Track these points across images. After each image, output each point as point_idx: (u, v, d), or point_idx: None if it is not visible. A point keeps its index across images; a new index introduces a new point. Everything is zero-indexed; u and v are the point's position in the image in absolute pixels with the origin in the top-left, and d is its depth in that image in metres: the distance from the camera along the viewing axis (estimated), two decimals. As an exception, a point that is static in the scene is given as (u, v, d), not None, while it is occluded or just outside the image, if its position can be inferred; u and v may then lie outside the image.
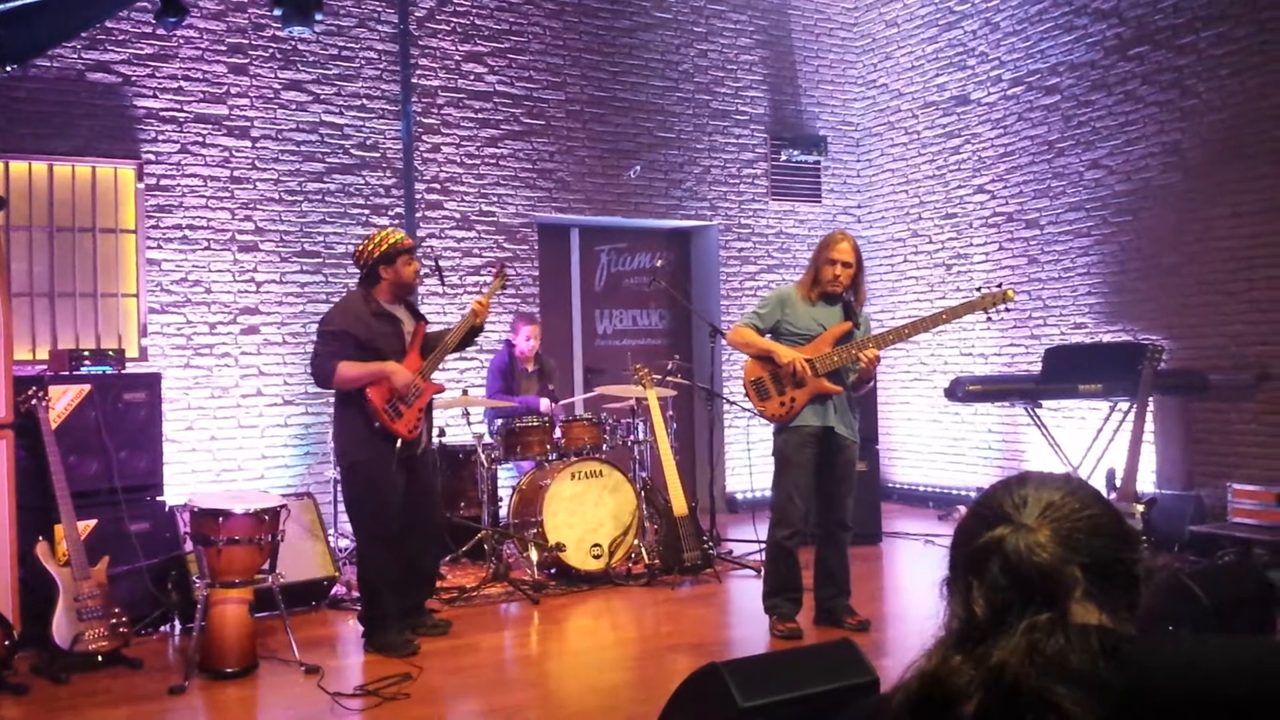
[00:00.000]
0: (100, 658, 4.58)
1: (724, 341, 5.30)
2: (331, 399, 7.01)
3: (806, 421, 4.93)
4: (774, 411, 4.97)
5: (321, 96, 7.26)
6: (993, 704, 1.12)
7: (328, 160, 7.27)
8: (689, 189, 8.79)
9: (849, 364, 4.90)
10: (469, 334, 5.18)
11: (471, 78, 7.83)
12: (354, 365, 4.76)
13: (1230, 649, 1.18)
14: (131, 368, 6.09)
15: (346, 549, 6.58)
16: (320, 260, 7.24)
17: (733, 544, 7.09)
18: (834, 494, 5.04)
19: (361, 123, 7.40)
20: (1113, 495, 6.02)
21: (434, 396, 5.10)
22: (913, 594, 6.26)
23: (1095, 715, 1.08)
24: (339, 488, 6.71)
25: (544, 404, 6.92)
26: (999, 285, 5.03)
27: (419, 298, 6.89)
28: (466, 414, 6.64)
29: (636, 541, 6.31)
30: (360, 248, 4.98)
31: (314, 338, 7.03)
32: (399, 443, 4.81)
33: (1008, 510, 1.27)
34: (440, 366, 5.16)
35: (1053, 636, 1.15)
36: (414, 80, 7.58)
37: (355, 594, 5.73)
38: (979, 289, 5.09)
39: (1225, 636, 1.22)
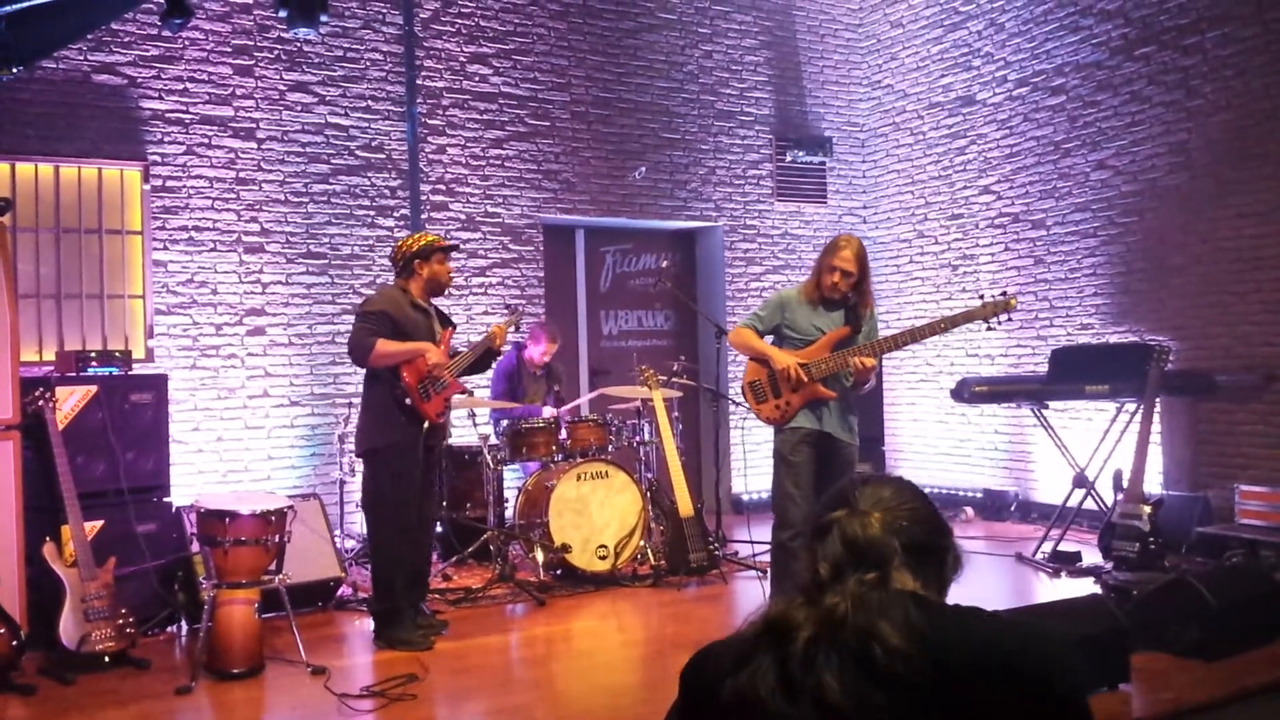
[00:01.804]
0: (107, 658, 4.59)
1: (728, 342, 5.29)
2: (338, 400, 7.08)
3: (801, 423, 4.92)
4: (769, 414, 4.98)
5: (327, 98, 7.27)
6: (822, 633, 1.41)
7: (333, 161, 7.28)
8: (694, 190, 8.79)
9: (843, 370, 4.88)
10: (485, 355, 5.32)
11: (476, 79, 7.84)
12: (391, 342, 4.87)
13: (1024, 632, 1.48)
14: (138, 369, 6.10)
15: (353, 550, 6.59)
16: (326, 261, 7.25)
17: (738, 545, 7.08)
18: None
19: (367, 124, 7.41)
20: (1120, 497, 6.01)
21: (454, 397, 5.23)
22: (919, 595, 6.25)
23: (906, 646, 1.37)
24: (344, 487, 6.74)
25: (547, 411, 6.91)
26: (1003, 292, 4.96)
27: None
28: (472, 415, 6.65)
29: (642, 543, 6.31)
30: (399, 244, 5.16)
31: (319, 338, 7.12)
32: (425, 426, 4.89)
33: (849, 499, 1.59)
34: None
35: (876, 590, 1.46)
36: (419, 82, 7.59)
37: (362, 595, 5.74)
38: (981, 296, 5.05)
39: (1029, 620, 1.52)
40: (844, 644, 1.41)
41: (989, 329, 5.00)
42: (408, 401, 4.85)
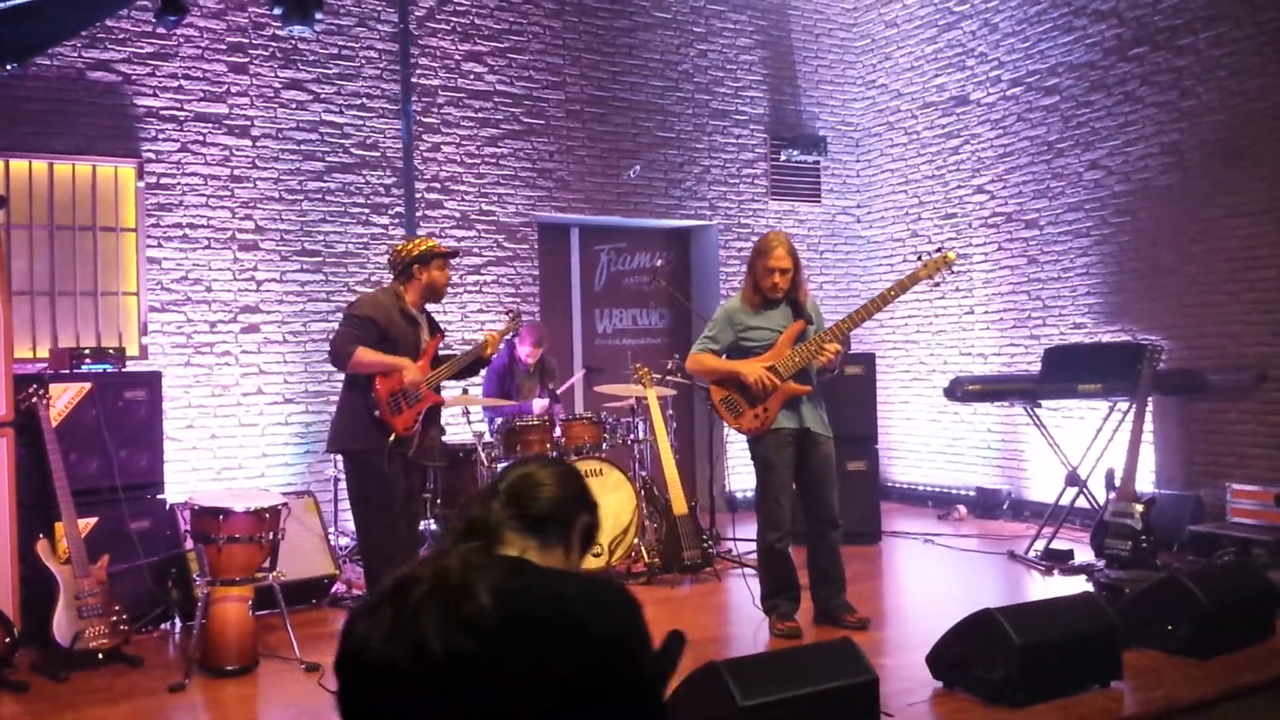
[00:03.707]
0: (101, 655, 4.59)
1: (688, 370, 5.32)
2: (332, 398, 7.06)
3: (782, 424, 4.95)
4: (749, 425, 5.00)
5: (321, 95, 7.27)
6: (433, 589, 1.72)
7: (328, 159, 7.28)
8: (689, 189, 8.80)
9: (811, 362, 4.92)
10: (475, 362, 5.31)
11: (471, 77, 7.84)
12: (372, 352, 4.85)
13: (596, 591, 1.83)
14: (132, 366, 6.10)
15: (347, 547, 6.59)
16: (320, 259, 7.24)
17: (732, 543, 7.09)
18: (817, 492, 5.05)
19: (362, 122, 7.40)
20: (1112, 495, 6.04)
21: (441, 407, 5.20)
22: (912, 594, 6.26)
23: (490, 601, 1.69)
24: (339, 485, 6.74)
25: (538, 406, 6.91)
26: (939, 249, 5.04)
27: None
28: (467, 413, 6.65)
29: (636, 540, 6.32)
30: (399, 247, 5.13)
31: (313, 336, 7.11)
32: (392, 437, 4.86)
33: (495, 482, 2.00)
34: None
35: (477, 555, 1.82)
36: (414, 79, 7.59)
37: (356, 592, 5.75)
38: (919, 257, 5.11)
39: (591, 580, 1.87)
40: (446, 598, 1.71)
41: (936, 284, 5.06)
42: (376, 413, 4.83)
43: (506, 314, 6.82)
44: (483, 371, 6.13)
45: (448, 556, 1.83)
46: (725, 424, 5.17)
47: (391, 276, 5.17)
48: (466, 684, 1.67)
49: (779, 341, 4.95)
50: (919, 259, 5.07)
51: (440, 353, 5.21)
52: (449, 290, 7.33)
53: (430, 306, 5.29)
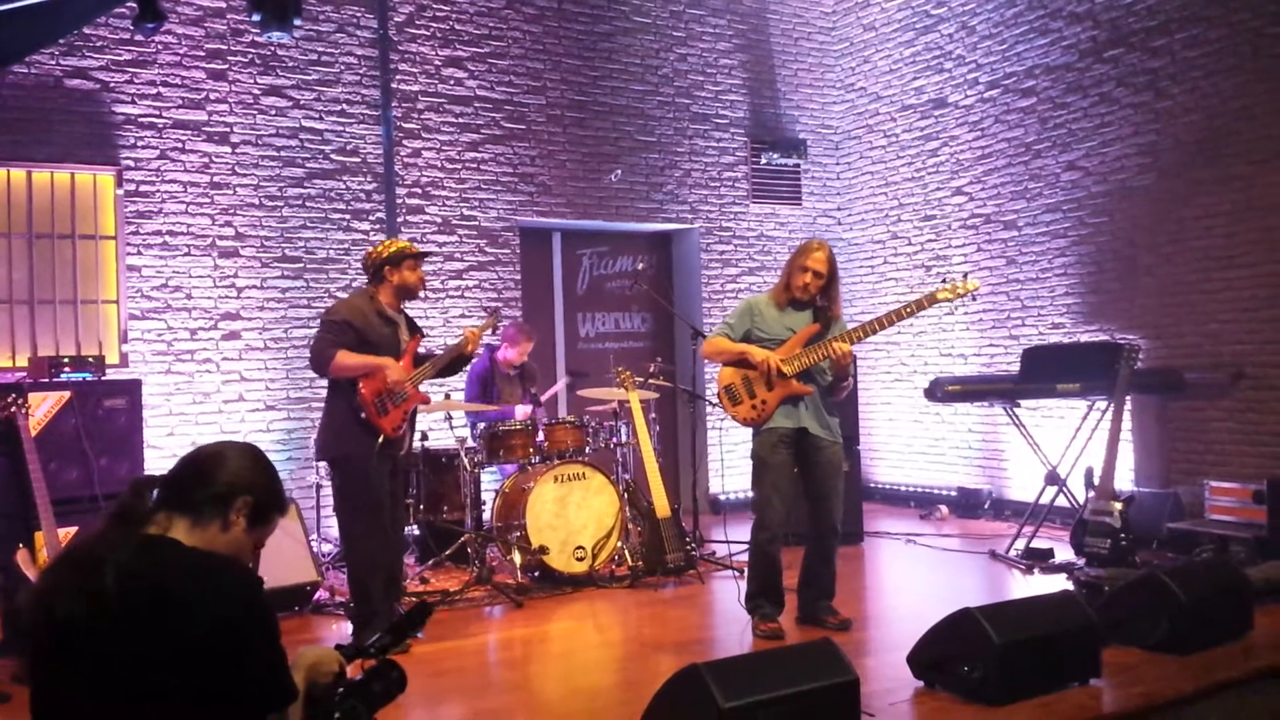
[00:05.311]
0: (82, 665, 4.56)
1: (701, 353, 5.34)
2: (314, 404, 7.06)
3: (779, 423, 4.96)
4: (746, 415, 5.01)
5: (301, 102, 7.26)
6: (71, 562, 1.96)
7: (308, 165, 7.27)
8: (670, 192, 8.82)
9: (820, 363, 4.93)
10: (456, 360, 5.30)
11: (452, 82, 7.84)
12: (352, 355, 4.85)
13: (219, 566, 2.05)
14: (112, 374, 6.08)
15: (329, 554, 6.58)
16: (301, 265, 7.23)
17: (716, 545, 7.11)
18: (821, 498, 5.05)
19: (342, 128, 7.40)
20: (1091, 494, 6.08)
21: (418, 407, 5.20)
22: (894, 594, 6.29)
23: (115, 573, 1.90)
24: (321, 491, 6.73)
25: (520, 411, 6.92)
26: (964, 275, 5.08)
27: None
28: (449, 418, 6.65)
29: (620, 544, 6.33)
30: (371, 250, 5.14)
31: (295, 343, 7.10)
32: (381, 439, 4.87)
33: (169, 474, 2.19)
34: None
35: (115, 534, 2.03)
36: (394, 85, 7.59)
37: (339, 599, 5.74)
38: (944, 281, 5.14)
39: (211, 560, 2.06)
40: (77, 573, 1.94)
41: (957, 306, 5.10)
42: (363, 415, 4.84)
43: (485, 310, 6.83)
44: (465, 369, 6.13)
45: (92, 535, 2.04)
46: (719, 417, 5.18)
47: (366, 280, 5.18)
48: (89, 654, 1.89)
49: (791, 340, 4.98)
50: (943, 281, 5.10)
51: (420, 352, 5.22)
52: (430, 294, 7.41)
53: (411, 310, 5.30)
